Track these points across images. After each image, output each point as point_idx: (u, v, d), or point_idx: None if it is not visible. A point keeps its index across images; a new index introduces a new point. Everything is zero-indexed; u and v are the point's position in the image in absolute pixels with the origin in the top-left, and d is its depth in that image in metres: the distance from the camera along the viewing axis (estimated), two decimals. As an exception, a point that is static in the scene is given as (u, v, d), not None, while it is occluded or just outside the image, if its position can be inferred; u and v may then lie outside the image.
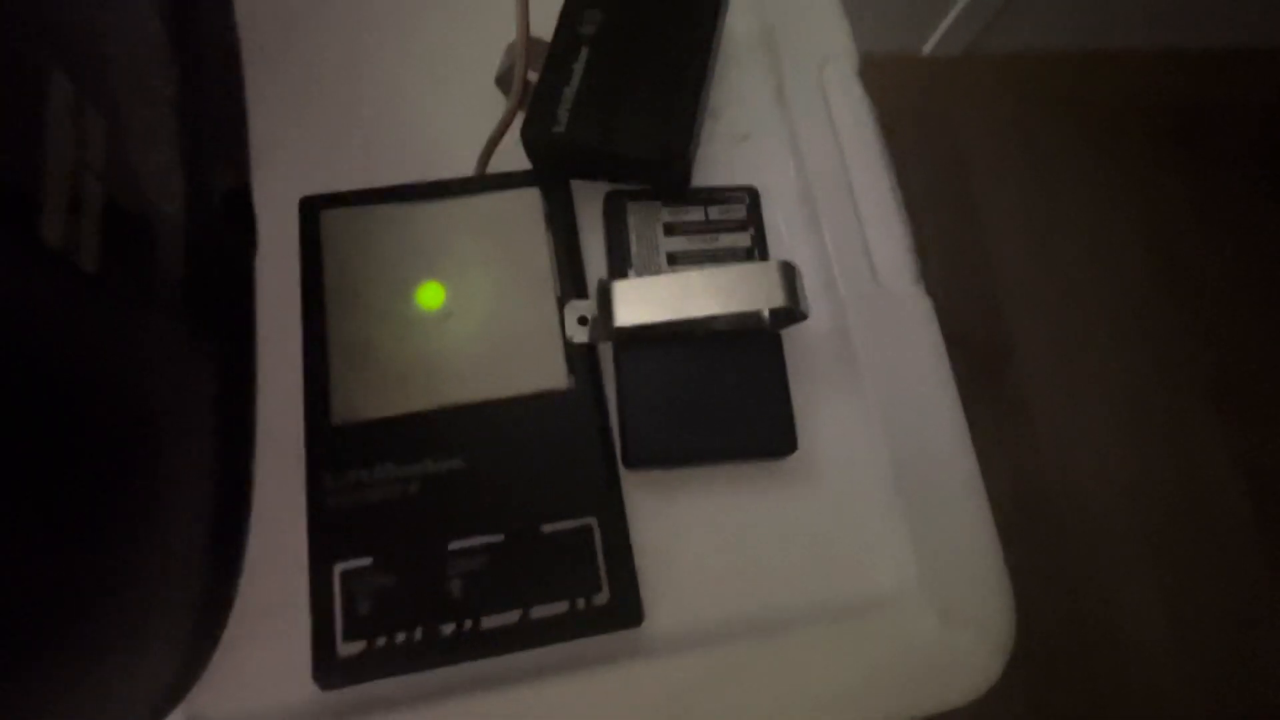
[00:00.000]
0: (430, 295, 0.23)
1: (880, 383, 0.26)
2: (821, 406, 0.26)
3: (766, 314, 0.24)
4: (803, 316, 0.23)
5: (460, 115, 0.28)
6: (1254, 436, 0.83)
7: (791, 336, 0.26)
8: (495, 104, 0.28)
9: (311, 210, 0.24)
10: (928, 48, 0.74)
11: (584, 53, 0.25)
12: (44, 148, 0.15)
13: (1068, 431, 0.81)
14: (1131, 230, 0.91)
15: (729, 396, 0.24)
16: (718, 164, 0.29)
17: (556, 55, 0.25)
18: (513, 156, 0.26)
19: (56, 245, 0.14)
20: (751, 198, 0.27)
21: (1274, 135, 0.96)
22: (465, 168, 0.27)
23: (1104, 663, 0.75)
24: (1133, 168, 0.93)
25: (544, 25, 0.26)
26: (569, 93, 0.24)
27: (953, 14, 0.69)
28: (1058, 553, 0.77)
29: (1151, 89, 0.92)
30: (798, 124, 0.30)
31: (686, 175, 0.25)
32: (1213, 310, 0.88)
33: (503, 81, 0.28)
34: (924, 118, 0.86)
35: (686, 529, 0.24)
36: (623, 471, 0.24)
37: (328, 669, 0.20)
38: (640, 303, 0.22)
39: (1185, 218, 0.91)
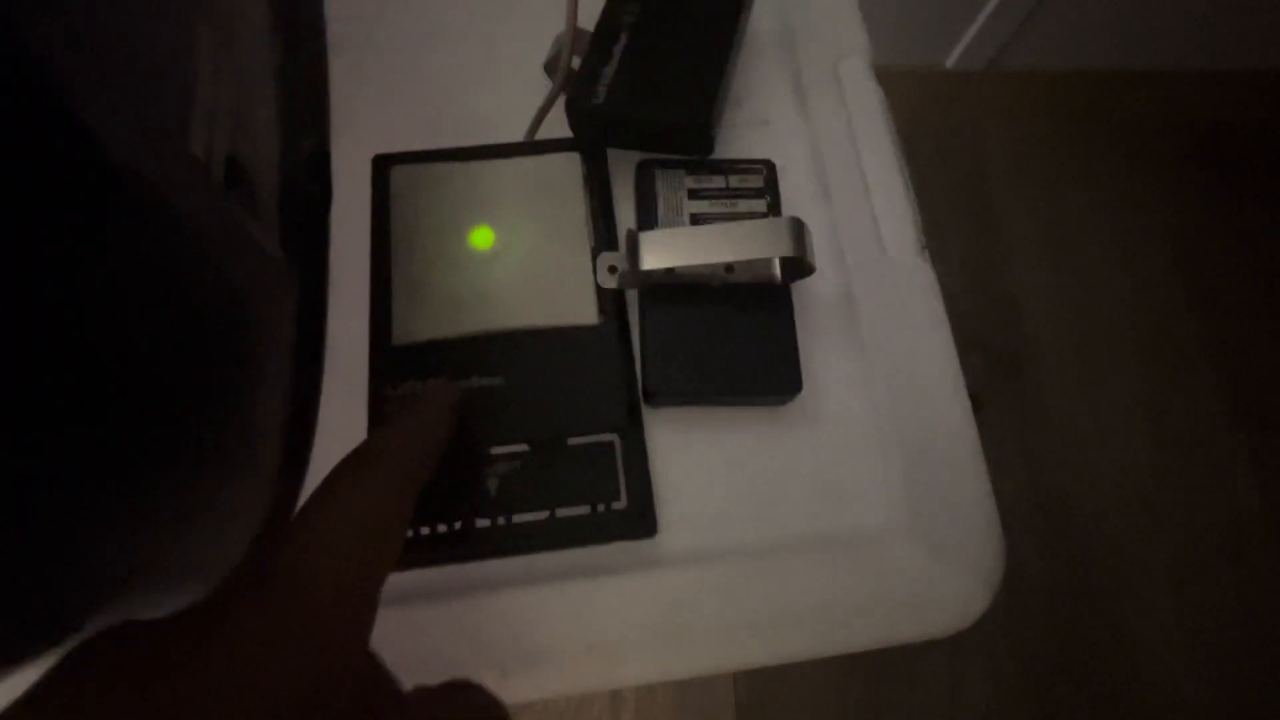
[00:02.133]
0: (481, 237, 0.26)
1: (882, 341, 0.29)
2: (827, 360, 0.28)
3: (777, 267, 0.27)
4: (810, 269, 0.26)
5: (512, 94, 0.32)
6: (1275, 448, 0.82)
7: (802, 298, 0.29)
8: (543, 86, 0.31)
9: (383, 166, 0.28)
10: (950, 61, 0.76)
11: (623, 38, 0.28)
12: (195, 73, 0.18)
13: (1087, 439, 0.81)
14: (1154, 245, 0.91)
15: (742, 341, 0.26)
16: (739, 146, 0.32)
17: (599, 39, 0.28)
18: (557, 131, 0.30)
19: (199, 155, 0.18)
20: (768, 169, 0.29)
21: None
22: (516, 137, 0.31)
23: (1118, 670, 0.74)
24: (1156, 184, 0.93)
25: (587, 20, 0.30)
26: (608, 71, 0.28)
27: (975, 27, 0.71)
28: (1073, 558, 0.77)
29: (1176, 108, 0.93)
30: (813, 111, 0.33)
31: (709, 140, 0.29)
32: (1236, 324, 0.87)
33: (550, 67, 0.31)
34: (946, 131, 0.89)
35: (699, 462, 0.27)
36: (644, 408, 0.26)
37: (378, 552, 0.23)
38: (664, 249, 0.25)
39: (1209, 232, 0.92)
